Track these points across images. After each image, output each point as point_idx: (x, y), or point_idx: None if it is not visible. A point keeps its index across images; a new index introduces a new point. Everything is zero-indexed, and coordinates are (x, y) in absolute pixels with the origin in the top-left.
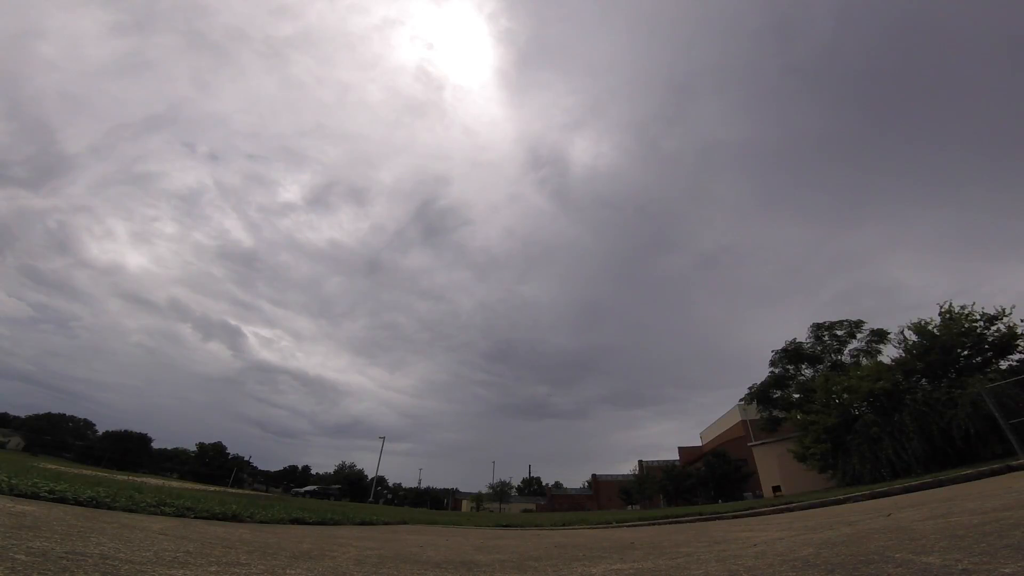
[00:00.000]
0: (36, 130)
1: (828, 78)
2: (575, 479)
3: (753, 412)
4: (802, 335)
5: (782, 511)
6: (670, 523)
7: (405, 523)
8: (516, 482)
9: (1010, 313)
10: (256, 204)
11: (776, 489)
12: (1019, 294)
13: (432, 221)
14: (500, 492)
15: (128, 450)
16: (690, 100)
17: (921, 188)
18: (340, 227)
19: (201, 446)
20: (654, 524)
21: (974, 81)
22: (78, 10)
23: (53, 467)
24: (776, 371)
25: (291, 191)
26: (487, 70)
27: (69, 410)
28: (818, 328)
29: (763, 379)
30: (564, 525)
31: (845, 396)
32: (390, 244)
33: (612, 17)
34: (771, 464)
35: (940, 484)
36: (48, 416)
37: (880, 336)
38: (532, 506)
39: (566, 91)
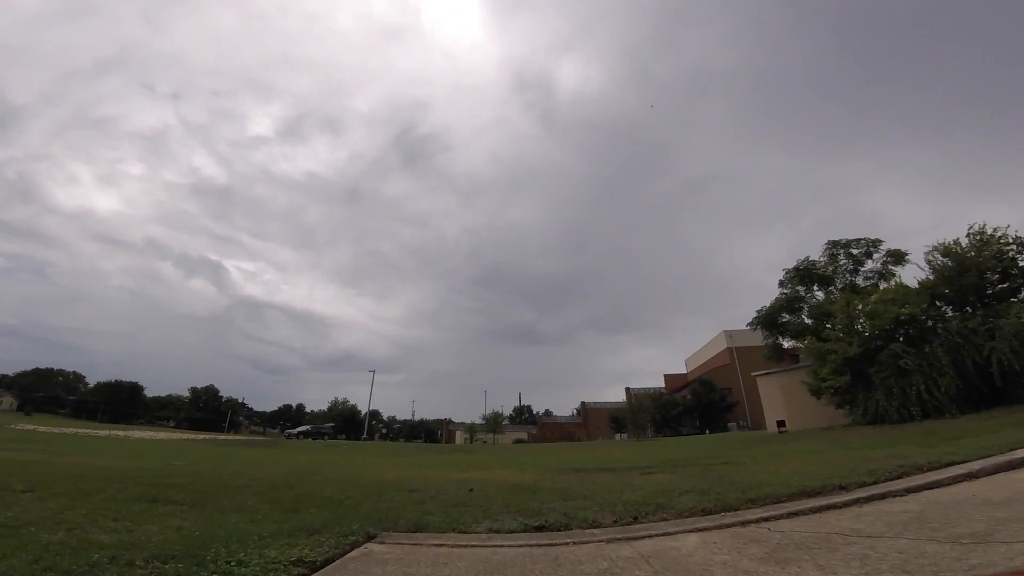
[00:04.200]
0: None
1: (822, 11)
2: (564, 407)
3: (743, 339)
4: (787, 263)
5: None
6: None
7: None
8: (507, 410)
9: None
10: (226, 139)
11: (780, 424)
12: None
13: (413, 147)
14: (493, 422)
15: (121, 401)
16: (682, 25)
17: (907, 127)
18: (316, 157)
19: (194, 391)
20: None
21: (962, 25)
22: None
23: (32, 427)
24: (787, 292)
25: (262, 124)
26: None
27: (59, 363)
28: (834, 245)
29: (771, 302)
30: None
31: (865, 322)
32: (369, 172)
33: None
34: (776, 396)
35: None
36: (36, 372)
37: (897, 257)
38: (524, 435)
39: (554, 12)
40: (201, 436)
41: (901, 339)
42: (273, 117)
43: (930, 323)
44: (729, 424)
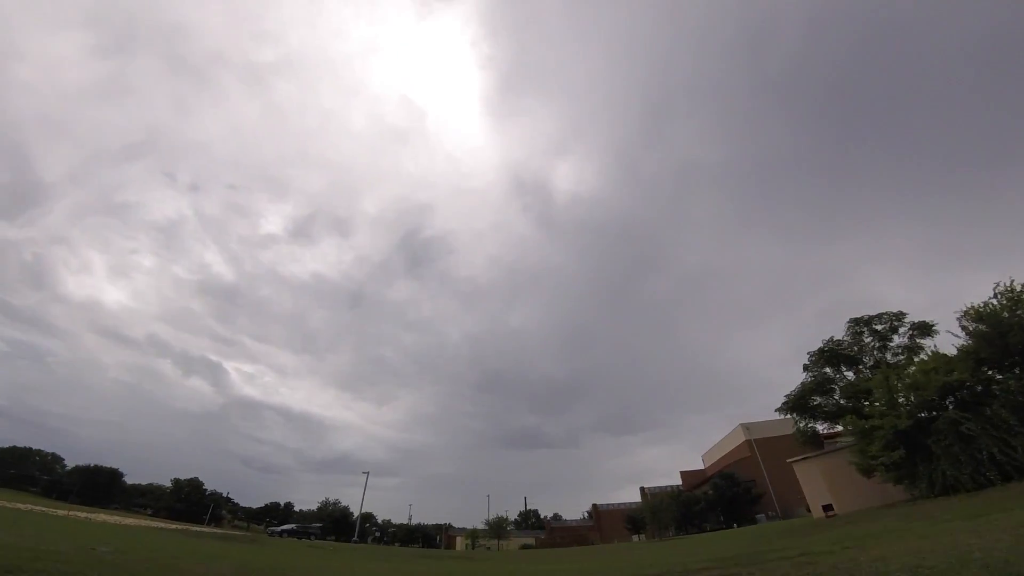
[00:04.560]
0: (13, 156)
1: (798, 93)
2: (573, 510)
3: (761, 431)
4: (788, 355)
5: None
6: None
7: None
8: (512, 515)
9: None
10: (237, 236)
11: (827, 508)
12: None
13: (416, 251)
14: (497, 527)
15: (98, 485)
16: (666, 121)
17: (893, 201)
18: (323, 259)
19: (176, 482)
20: None
21: (941, 94)
22: (59, 32)
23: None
24: (813, 376)
25: (273, 222)
26: (470, 96)
27: (44, 445)
28: (856, 323)
29: (798, 386)
30: None
31: (910, 394)
32: (374, 276)
33: (589, 40)
34: (817, 480)
35: None
36: (13, 449)
37: (924, 329)
38: (532, 540)
39: (547, 116)
40: (173, 526)
41: (951, 406)
42: (285, 216)
43: (979, 387)
44: (758, 516)
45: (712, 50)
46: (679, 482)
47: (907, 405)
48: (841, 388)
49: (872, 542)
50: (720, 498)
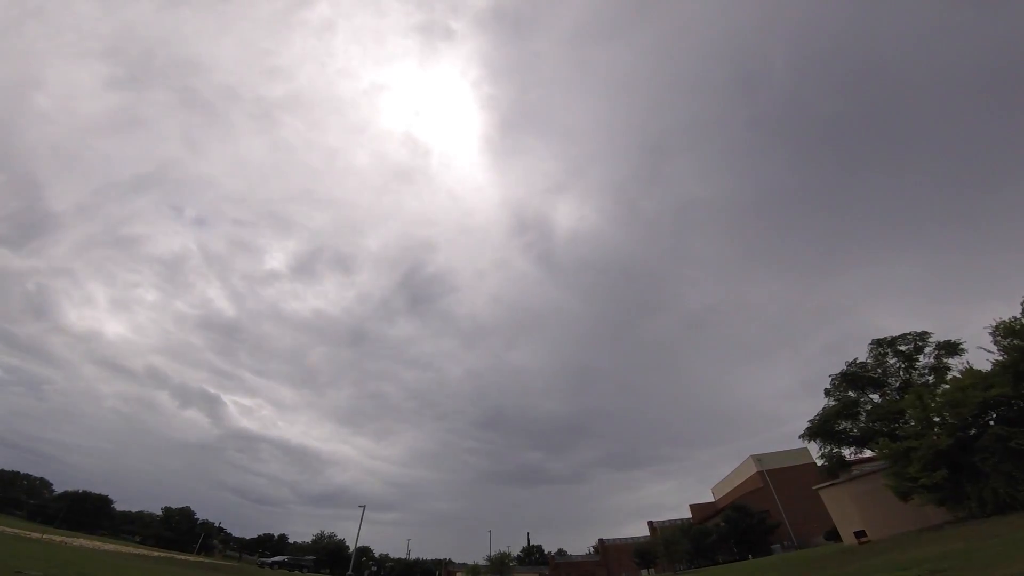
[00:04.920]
0: (24, 185)
1: (794, 128)
2: (578, 545)
3: (772, 462)
4: (795, 389)
5: None
6: None
7: None
8: (515, 551)
9: None
10: (240, 272)
11: (860, 535)
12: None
13: (418, 289)
14: (499, 564)
15: (86, 511)
16: (664, 159)
17: (893, 232)
18: (325, 296)
19: (167, 510)
20: None
21: (935, 122)
22: (77, 61)
23: None
24: (837, 399)
25: (277, 259)
26: (472, 135)
27: (35, 470)
28: (879, 344)
29: (819, 412)
30: None
31: (948, 412)
32: (376, 313)
33: (588, 80)
34: (847, 507)
35: None
36: (1, 473)
37: (950, 349)
38: None
39: (547, 155)
40: (156, 553)
41: (991, 423)
42: (288, 252)
43: (1023, 402)
44: (773, 546)
45: (707, 89)
46: (688, 515)
47: (944, 424)
48: (868, 411)
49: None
50: (733, 530)
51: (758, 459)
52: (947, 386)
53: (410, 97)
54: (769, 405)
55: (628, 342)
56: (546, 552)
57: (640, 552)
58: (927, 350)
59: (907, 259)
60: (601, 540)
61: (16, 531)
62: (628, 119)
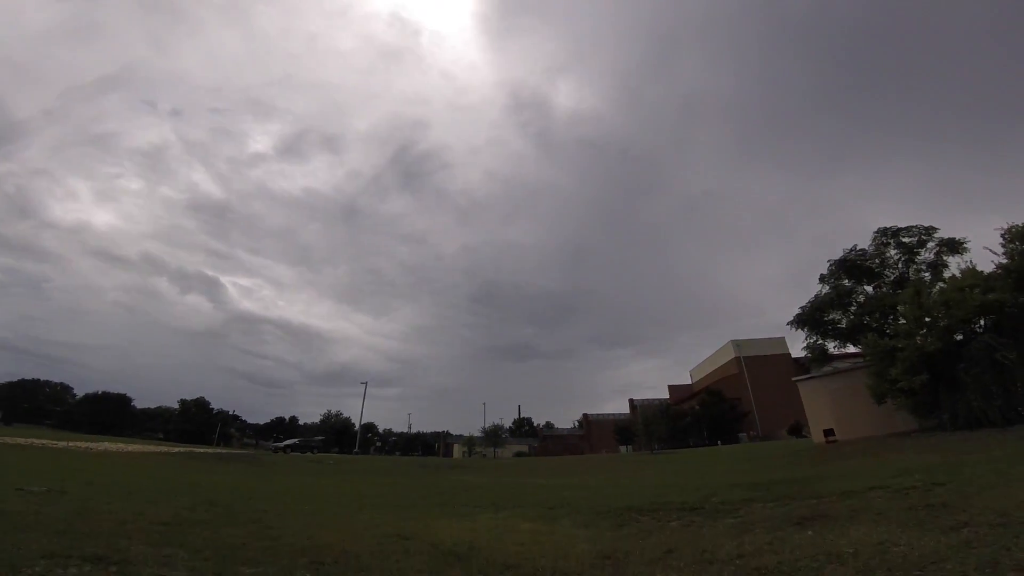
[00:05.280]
0: None
1: (814, 29)
2: (564, 420)
3: (752, 349)
4: (781, 280)
5: None
6: None
7: None
8: (507, 423)
9: None
10: (224, 156)
11: (828, 433)
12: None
13: (410, 166)
14: (493, 436)
15: (108, 412)
16: (674, 50)
17: (899, 140)
18: (314, 175)
19: (183, 403)
20: None
21: (953, 40)
22: None
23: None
24: (830, 288)
25: (261, 142)
26: (465, 15)
27: (52, 376)
28: (883, 234)
29: (812, 298)
30: None
31: (942, 313)
32: (368, 190)
33: None
34: (822, 403)
35: None
36: (22, 383)
37: (952, 247)
38: (525, 448)
39: (549, 36)
40: (176, 449)
41: (983, 331)
42: (272, 135)
43: (1019, 312)
44: (740, 435)
45: None
46: (667, 395)
47: (935, 326)
48: (860, 303)
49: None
50: (706, 414)
51: (737, 344)
52: (944, 285)
53: None
54: (753, 294)
55: (622, 223)
56: (535, 424)
57: (620, 429)
58: (929, 245)
59: (911, 167)
60: (585, 415)
61: (44, 442)
62: (639, 4)
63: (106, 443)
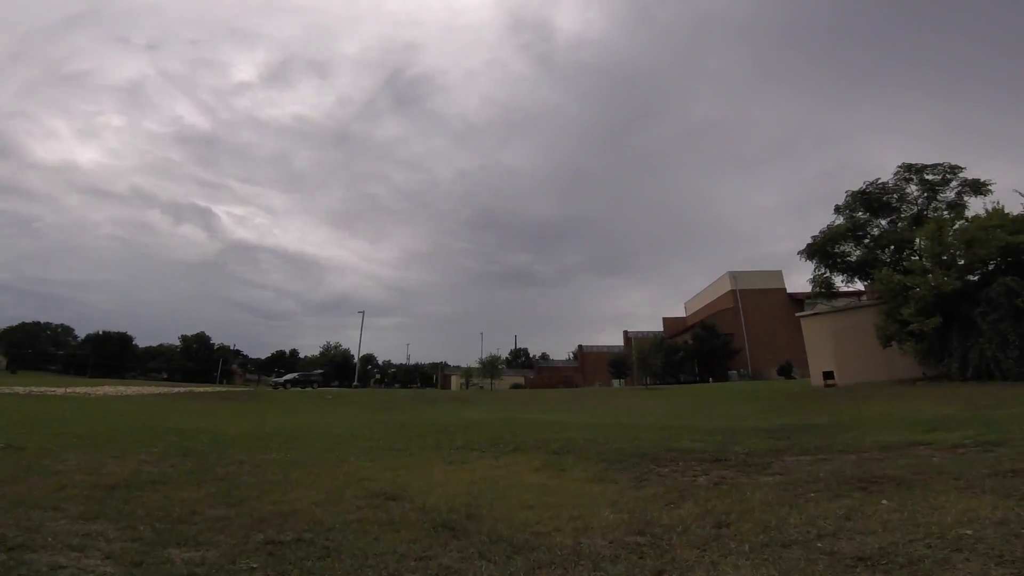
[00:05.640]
0: None
1: None
2: (560, 349)
3: (749, 282)
4: (782, 211)
5: None
6: None
7: None
8: (504, 353)
9: None
10: (208, 87)
11: (828, 376)
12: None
13: (403, 89)
14: (490, 367)
15: (111, 354)
16: None
17: (918, 74)
18: (303, 101)
19: (184, 339)
20: None
21: None
22: None
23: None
24: (844, 219)
25: (245, 71)
26: None
27: (54, 317)
28: (907, 170)
29: (826, 228)
30: None
31: (961, 251)
32: (360, 115)
33: None
34: (824, 342)
35: None
36: (23, 327)
37: (976, 187)
38: (521, 380)
39: None
40: (176, 389)
41: (1005, 274)
42: (256, 63)
43: None
44: (730, 373)
45: None
46: (661, 328)
47: (953, 265)
48: (874, 237)
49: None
50: (699, 349)
51: (734, 276)
52: (966, 222)
53: None
54: (751, 224)
55: (624, 149)
56: (531, 355)
57: (615, 363)
58: (952, 184)
59: (927, 103)
60: (580, 347)
61: (43, 389)
62: None
63: (106, 387)
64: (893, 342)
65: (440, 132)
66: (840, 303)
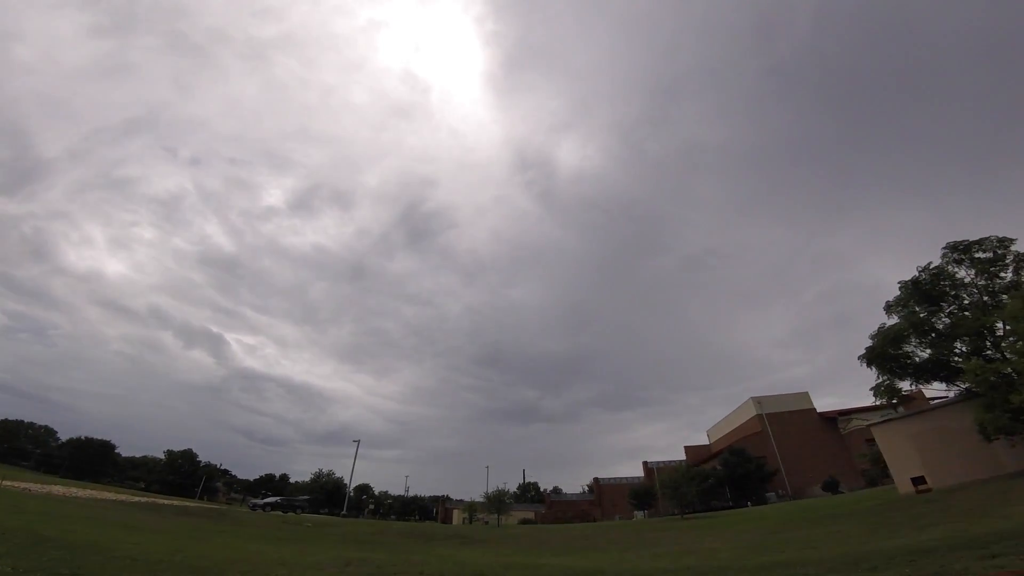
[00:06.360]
0: (12, 134)
1: (807, 79)
2: (572, 483)
3: (773, 406)
4: (788, 337)
5: None
6: None
7: None
8: (511, 487)
9: None
10: (238, 209)
11: (918, 481)
12: None
13: (418, 224)
14: (497, 501)
15: (90, 458)
16: (673, 103)
17: (899, 191)
18: (324, 232)
19: (170, 453)
20: None
21: (949, 85)
22: (55, 12)
23: None
24: (900, 317)
25: (274, 195)
26: (474, 72)
27: (46, 419)
28: (953, 250)
29: (880, 330)
30: None
31: None
32: (375, 248)
33: (597, 20)
34: (906, 448)
35: None
36: (4, 423)
37: None
38: (531, 514)
39: (552, 93)
40: (136, 498)
41: None
42: (286, 189)
43: None
44: (768, 495)
45: (721, 34)
46: (681, 457)
47: None
48: (939, 331)
49: None
50: (730, 475)
51: (758, 401)
52: None
53: (409, 33)
54: (762, 352)
55: (627, 282)
56: (542, 490)
57: (636, 493)
58: (1008, 259)
59: (907, 217)
60: (596, 479)
61: (18, 485)
62: (639, 60)
63: (57, 486)
64: (1000, 436)
65: (450, 267)
66: (888, 414)
